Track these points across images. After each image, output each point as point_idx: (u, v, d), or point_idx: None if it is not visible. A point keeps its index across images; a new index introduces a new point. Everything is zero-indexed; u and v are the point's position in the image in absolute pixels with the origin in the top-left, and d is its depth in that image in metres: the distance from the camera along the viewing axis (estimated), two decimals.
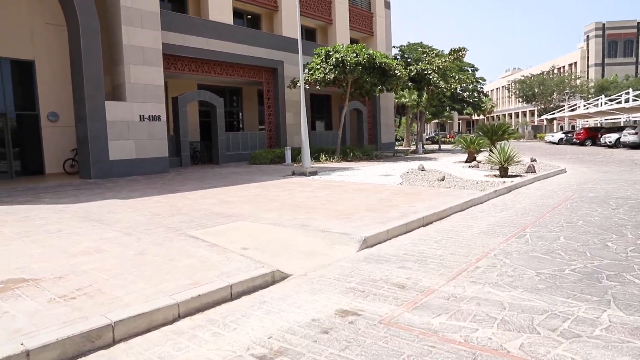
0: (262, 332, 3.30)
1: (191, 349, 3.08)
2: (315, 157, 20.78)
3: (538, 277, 4.28)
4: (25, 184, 13.02)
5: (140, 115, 15.20)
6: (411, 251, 5.35)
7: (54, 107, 15.89)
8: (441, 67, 26.21)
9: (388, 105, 32.19)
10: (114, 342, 3.23)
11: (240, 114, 26.17)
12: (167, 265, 4.61)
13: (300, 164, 14.38)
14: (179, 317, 3.61)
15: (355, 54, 18.88)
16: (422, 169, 14.53)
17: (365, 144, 27.97)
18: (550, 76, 62.16)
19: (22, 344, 2.93)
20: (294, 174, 14.06)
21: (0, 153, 15.37)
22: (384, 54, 20.31)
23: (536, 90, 59.83)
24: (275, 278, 4.44)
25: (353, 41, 27.98)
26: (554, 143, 39.48)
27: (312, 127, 28.21)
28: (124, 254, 5.04)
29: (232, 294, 4.04)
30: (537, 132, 56.62)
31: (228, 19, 20.99)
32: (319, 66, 19.66)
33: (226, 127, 24.42)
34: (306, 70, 20.33)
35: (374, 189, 10.10)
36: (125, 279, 4.20)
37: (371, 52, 19.29)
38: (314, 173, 13.96)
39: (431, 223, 6.92)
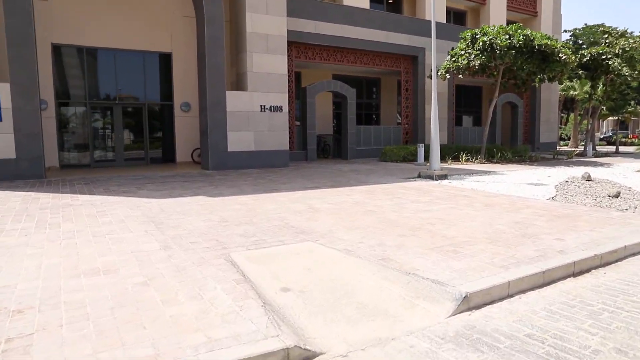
0: None
1: None
2: (454, 156, 18.23)
3: None
4: (150, 171, 13.31)
5: (261, 106, 14.60)
6: (541, 330, 3.18)
7: (187, 97, 16.24)
8: (627, 49, 21.04)
9: (551, 98, 27.43)
10: None
11: (378, 106, 24.52)
12: (155, 310, 3.26)
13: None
14: None
15: (507, 36, 15.78)
16: (588, 179, 11.22)
17: (519, 143, 24.12)
18: None
19: None
20: (419, 176, 12.00)
21: (140, 141, 16.24)
22: (546, 35, 16.70)
23: None
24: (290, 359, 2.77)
25: (511, 23, 24.21)
26: None
27: (457, 122, 25.34)
28: (128, 281, 3.86)
29: None
30: None
31: (364, 3, 19.47)
32: (463, 52, 16.99)
33: (362, 120, 23.19)
34: (449, 57, 17.83)
35: (511, 205, 7.62)
36: (80, 329, 2.95)
37: (529, 32, 15.95)
38: (443, 177, 11.71)
39: (588, 272, 4.48)
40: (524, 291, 3.91)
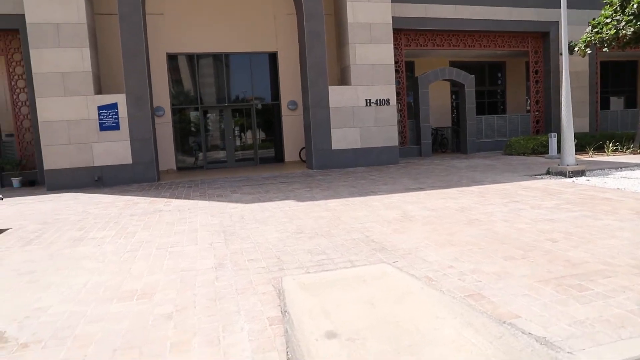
0: None
1: None
2: (597, 146, 15.40)
3: None
4: (255, 172, 13.29)
5: (366, 100, 13.71)
6: None
7: (294, 95, 16.01)
8: None
9: None
10: None
11: (504, 93, 22.00)
12: (157, 358, 2.63)
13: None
14: None
15: None
16: None
17: None
18: None
19: None
20: (548, 172, 10.09)
21: (250, 141, 16.47)
22: None
23: None
24: None
25: None
26: None
27: (603, 105, 21.67)
28: (155, 311, 3.32)
29: None
30: None
31: None
32: (609, 19, 14.14)
33: (485, 110, 21.08)
34: (589, 29, 15.04)
35: None
36: None
37: None
38: (579, 173, 9.65)
39: None
40: None
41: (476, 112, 17.67)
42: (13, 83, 13.50)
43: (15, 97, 13.51)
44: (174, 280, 4.00)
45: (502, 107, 22.10)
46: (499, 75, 22.00)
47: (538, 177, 9.68)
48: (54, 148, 11.61)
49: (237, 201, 8.20)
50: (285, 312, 3.22)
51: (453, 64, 19.40)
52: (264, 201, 8.08)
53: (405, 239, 5.04)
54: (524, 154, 15.42)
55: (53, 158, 11.62)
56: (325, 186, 9.72)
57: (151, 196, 9.45)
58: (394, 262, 4.21)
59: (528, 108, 20.59)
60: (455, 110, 20.60)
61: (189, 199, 8.81)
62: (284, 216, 6.65)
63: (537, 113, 18.99)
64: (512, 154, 15.75)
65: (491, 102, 21.97)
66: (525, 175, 9.91)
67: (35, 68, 11.50)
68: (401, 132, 16.66)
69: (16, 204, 9.45)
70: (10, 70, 13.46)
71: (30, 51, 11.49)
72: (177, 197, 9.05)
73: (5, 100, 13.79)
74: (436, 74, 16.76)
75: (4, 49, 13.39)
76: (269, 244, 5.12)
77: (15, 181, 13.03)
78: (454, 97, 20.56)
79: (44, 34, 11.44)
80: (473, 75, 17.09)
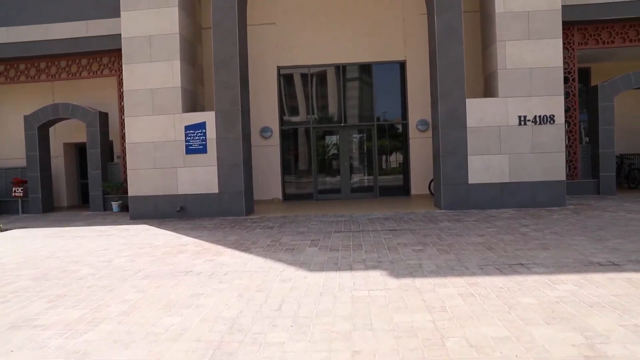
0: None
1: None
2: None
3: None
4: (366, 208, 10.52)
5: (519, 117, 9.98)
6: None
7: (425, 114, 12.89)
8: None
9: None
10: None
11: None
12: None
13: None
14: None
15: None
16: None
17: None
18: None
19: None
20: None
21: (369, 168, 13.74)
22: None
23: None
24: None
25: None
26: None
27: None
28: None
29: None
30: None
31: None
32: None
33: None
34: None
35: None
36: None
37: None
38: None
39: None
40: None
41: None
42: (122, 103, 12.93)
43: (123, 117, 12.92)
44: None
45: None
46: None
47: None
48: (139, 173, 10.39)
49: (301, 265, 5.50)
50: None
51: None
52: (339, 269, 5.24)
53: None
54: None
55: (137, 184, 10.40)
56: (447, 243, 6.47)
57: (211, 241, 7.31)
58: None
59: None
60: None
61: (247, 251, 6.40)
62: (347, 315, 3.74)
63: None
64: None
65: None
66: None
67: (126, 85, 10.51)
68: (570, 161, 12.30)
69: (71, 238, 8.14)
70: (121, 90, 12.94)
71: (123, 67, 10.53)
72: (236, 247, 6.72)
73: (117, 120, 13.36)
74: (627, 79, 12.05)
75: (117, 70, 12.95)
76: None
77: (115, 205, 12.28)
78: None
79: (137, 49, 10.39)
80: None
